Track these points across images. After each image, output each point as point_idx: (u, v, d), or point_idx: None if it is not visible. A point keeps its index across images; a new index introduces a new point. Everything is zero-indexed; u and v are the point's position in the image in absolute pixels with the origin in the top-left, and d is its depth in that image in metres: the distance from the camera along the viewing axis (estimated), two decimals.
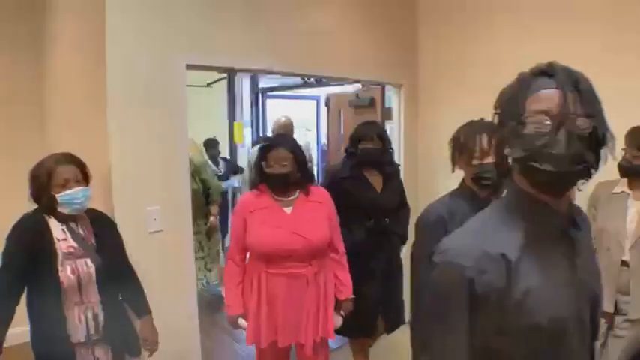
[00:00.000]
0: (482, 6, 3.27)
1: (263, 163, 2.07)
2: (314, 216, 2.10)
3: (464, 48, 3.38)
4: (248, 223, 2.06)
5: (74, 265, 1.73)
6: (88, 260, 1.78)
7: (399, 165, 2.95)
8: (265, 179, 2.08)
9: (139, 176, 2.23)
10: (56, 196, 1.73)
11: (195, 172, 3.76)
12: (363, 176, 2.64)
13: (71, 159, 1.80)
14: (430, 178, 3.66)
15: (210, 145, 5.25)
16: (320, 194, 2.19)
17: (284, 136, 2.68)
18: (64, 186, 1.74)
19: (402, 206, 2.80)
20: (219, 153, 5.41)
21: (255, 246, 2.04)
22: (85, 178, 1.83)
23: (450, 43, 3.47)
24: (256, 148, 3.49)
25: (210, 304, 4.17)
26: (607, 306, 2.23)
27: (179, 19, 2.32)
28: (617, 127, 2.33)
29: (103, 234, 1.88)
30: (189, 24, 2.36)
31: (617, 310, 2.22)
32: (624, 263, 2.18)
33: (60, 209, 1.75)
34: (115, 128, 2.14)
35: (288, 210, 2.09)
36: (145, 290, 2.04)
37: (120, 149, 2.16)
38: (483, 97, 3.52)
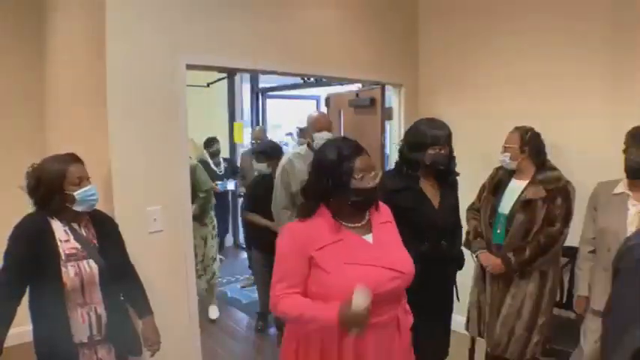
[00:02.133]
0: (482, 7, 3.27)
1: (355, 177, 1.51)
2: (394, 241, 1.65)
3: (464, 48, 3.38)
4: (317, 265, 1.49)
5: (77, 266, 1.73)
6: (91, 261, 1.77)
7: (458, 173, 2.38)
8: (354, 196, 1.52)
9: (139, 176, 2.23)
10: (74, 194, 1.74)
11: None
12: (420, 188, 2.21)
13: (77, 158, 1.81)
14: None
15: (208, 144, 5.31)
16: (386, 211, 1.71)
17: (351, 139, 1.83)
18: (79, 184, 1.76)
19: (457, 226, 2.40)
20: (218, 152, 5.43)
21: (342, 296, 1.41)
22: None
23: (450, 44, 3.47)
24: (297, 155, 2.96)
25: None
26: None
27: (179, 19, 2.32)
28: (616, 126, 2.32)
29: (105, 234, 1.88)
30: (189, 24, 2.36)
31: None
32: None
33: (75, 207, 1.76)
34: (115, 128, 2.14)
35: (368, 238, 1.59)
36: (146, 290, 2.04)
37: (120, 149, 2.16)
38: (483, 97, 3.55)
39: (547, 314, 2.43)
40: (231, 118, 6.37)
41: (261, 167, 3.53)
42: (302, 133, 5.92)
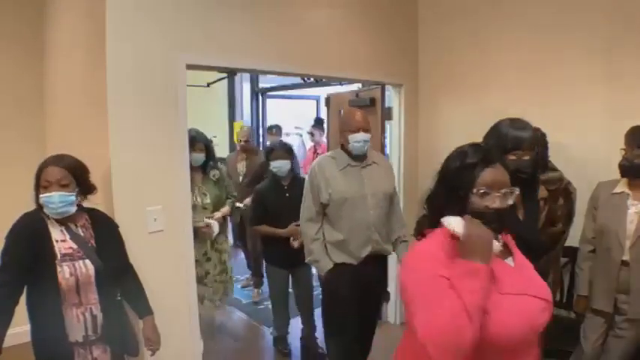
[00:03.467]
0: (482, 7, 3.27)
1: (474, 191, 1.22)
2: (529, 264, 1.35)
3: (464, 48, 3.38)
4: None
5: (72, 266, 1.73)
6: (88, 262, 1.77)
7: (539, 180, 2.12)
8: (482, 218, 1.19)
9: (139, 176, 2.23)
10: (39, 196, 1.73)
11: (221, 179, 3.30)
12: None
13: (62, 161, 1.77)
14: (430, 178, 3.65)
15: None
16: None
17: (483, 146, 1.42)
18: (46, 188, 1.72)
19: (541, 241, 2.04)
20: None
21: (499, 331, 1.14)
22: (81, 185, 1.79)
23: (450, 43, 3.47)
24: (329, 157, 2.54)
25: None
26: (606, 306, 2.23)
27: (179, 19, 2.32)
28: (615, 126, 2.33)
29: (103, 235, 1.88)
30: (189, 24, 2.36)
31: (616, 310, 2.22)
32: (624, 263, 2.18)
33: (45, 211, 1.74)
34: (115, 128, 2.14)
35: (510, 262, 1.30)
36: (145, 290, 2.04)
37: (120, 149, 2.16)
38: (483, 97, 3.55)
39: None
40: (231, 117, 6.37)
41: (281, 165, 3.10)
42: (271, 130, 5.53)
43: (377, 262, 2.55)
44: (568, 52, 2.86)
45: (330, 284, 2.52)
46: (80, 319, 1.76)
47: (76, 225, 1.82)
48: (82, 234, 1.82)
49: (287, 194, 3.12)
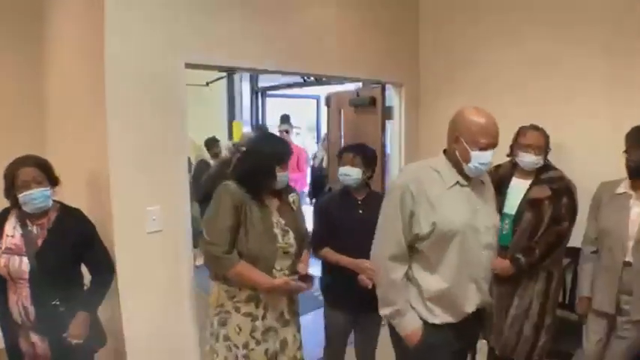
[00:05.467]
0: (483, 6, 3.26)
1: None
2: None
3: (464, 48, 3.37)
4: None
5: (7, 260, 1.88)
6: (25, 260, 1.87)
7: None
8: None
9: (138, 176, 2.21)
10: (18, 196, 1.87)
11: (299, 207, 2.29)
12: None
13: (32, 161, 1.91)
14: None
15: (210, 145, 5.33)
16: None
17: None
18: (26, 187, 1.86)
19: None
20: (220, 152, 5.45)
21: None
22: (50, 179, 1.93)
23: (451, 43, 3.46)
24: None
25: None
26: (609, 307, 2.22)
27: (179, 18, 2.31)
28: (618, 126, 2.31)
29: (59, 236, 1.93)
30: (189, 23, 2.34)
31: (619, 311, 2.21)
32: (627, 264, 2.17)
33: (24, 208, 1.89)
34: (114, 128, 2.13)
35: None
36: (143, 290, 2.03)
37: (120, 149, 2.15)
38: (483, 97, 3.54)
39: (553, 314, 2.43)
40: (231, 117, 6.36)
41: (349, 173, 2.35)
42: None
43: (479, 317, 1.86)
44: (569, 51, 2.85)
45: (418, 351, 1.72)
46: (15, 306, 1.91)
47: (32, 223, 1.93)
48: (35, 232, 1.92)
49: (361, 211, 2.35)
